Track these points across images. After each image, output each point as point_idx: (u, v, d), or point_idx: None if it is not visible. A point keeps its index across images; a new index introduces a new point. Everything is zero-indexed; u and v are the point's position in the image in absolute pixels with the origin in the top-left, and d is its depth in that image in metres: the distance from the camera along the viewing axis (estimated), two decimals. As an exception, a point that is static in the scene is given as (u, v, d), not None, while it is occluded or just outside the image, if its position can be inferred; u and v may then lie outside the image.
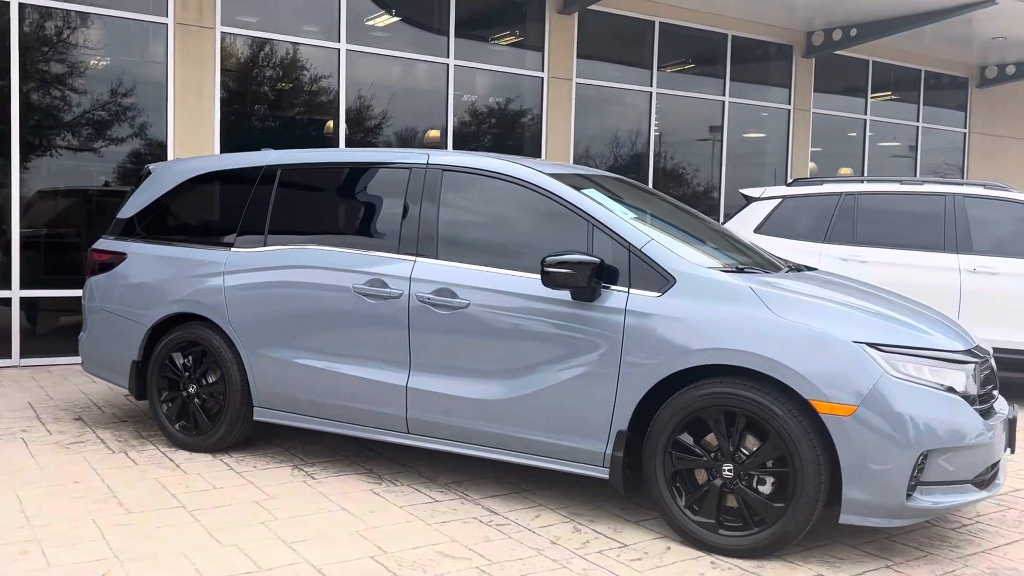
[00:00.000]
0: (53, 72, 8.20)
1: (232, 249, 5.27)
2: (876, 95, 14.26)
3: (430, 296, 4.57)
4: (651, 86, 11.80)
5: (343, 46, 9.54)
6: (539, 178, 4.55)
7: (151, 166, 5.99)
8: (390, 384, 4.68)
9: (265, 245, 5.18)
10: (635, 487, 4.21)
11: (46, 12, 8.10)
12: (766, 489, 3.85)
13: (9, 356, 8.08)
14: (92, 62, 8.38)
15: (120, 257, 5.70)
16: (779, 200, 8.39)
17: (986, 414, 4.00)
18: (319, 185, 5.22)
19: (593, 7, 10.96)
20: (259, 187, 5.33)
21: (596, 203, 4.40)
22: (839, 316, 3.90)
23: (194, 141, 8.70)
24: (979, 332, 7.42)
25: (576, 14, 10.98)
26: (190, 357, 5.36)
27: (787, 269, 4.80)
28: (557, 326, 4.26)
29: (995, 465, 4.11)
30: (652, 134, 11.85)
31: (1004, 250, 7.50)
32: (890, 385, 3.71)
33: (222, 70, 8.89)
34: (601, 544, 4.04)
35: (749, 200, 8.59)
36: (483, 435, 4.48)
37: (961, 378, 3.90)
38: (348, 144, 9.66)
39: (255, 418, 5.17)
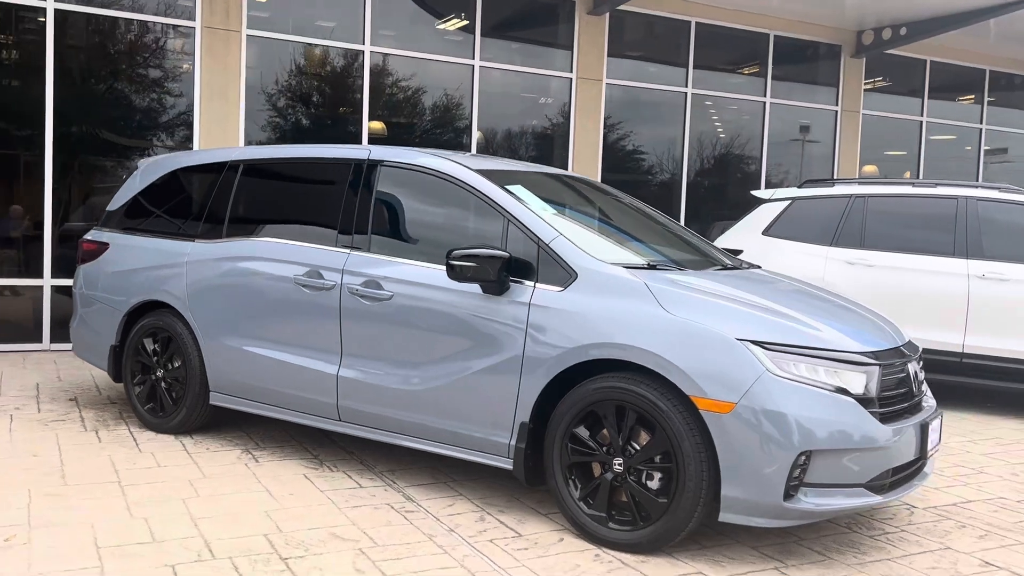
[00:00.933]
0: (86, 75, 8.68)
1: (195, 241, 5.52)
2: (934, 96, 13.75)
3: (359, 288, 4.71)
4: (686, 86, 11.69)
5: (367, 48, 9.78)
6: (463, 173, 4.63)
7: (139, 161, 6.32)
8: (323, 372, 4.84)
9: (224, 237, 5.41)
10: (538, 478, 4.25)
11: (80, 17, 8.58)
12: (654, 485, 3.85)
13: (40, 340, 8.59)
14: (122, 65, 8.83)
15: (104, 247, 6.03)
16: (788, 202, 8.21)
17: (890, 417, 3.90)
18: (273, 179, 5.42)
19: (625, 7, 10.93)
20: (222, 182, 5.57)
21: (514, 198, 4.46)
22: (729, 314, 3.86)
23: (219, 143, 9.07)
24: (986, 341, 7.13)
25: (607, 15, 10.96)
26: (159, 343, 5.64)
27: (720, 267, 4.75)
28: (470, 319, 4.34)
29: (901, 469, 4.00)
30: (687, 135, 11.73)
31: (1016, 256, 7.17)
32: (771, 383, 3.66)
33: (247, 72, 9.24)
34: (497, 533, 4.10)
35: (759, 202, 8.44)
36: (405, 424, 4.59)
37: (859, 380, 3.81)
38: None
39: (211, 402, 5.41)
